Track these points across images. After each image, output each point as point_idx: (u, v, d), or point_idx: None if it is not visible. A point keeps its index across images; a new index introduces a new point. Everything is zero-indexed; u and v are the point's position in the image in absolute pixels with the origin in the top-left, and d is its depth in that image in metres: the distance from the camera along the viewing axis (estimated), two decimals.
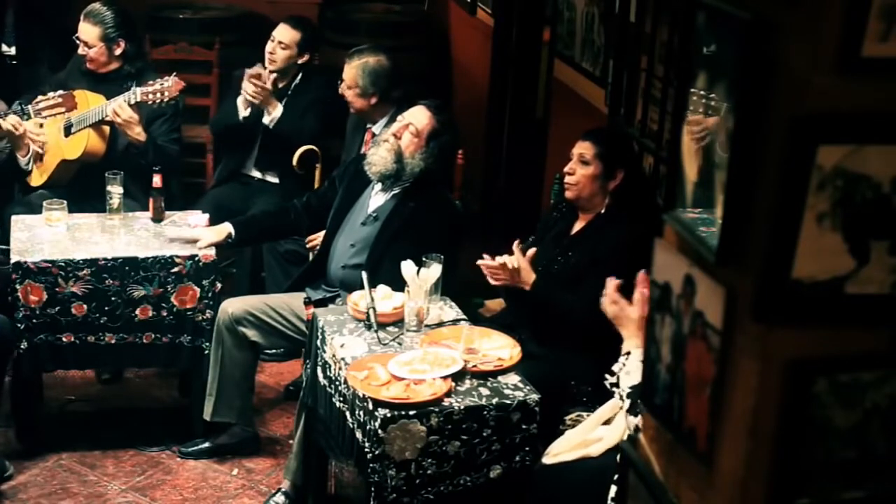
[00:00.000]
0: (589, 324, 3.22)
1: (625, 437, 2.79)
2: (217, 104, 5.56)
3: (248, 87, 4.70)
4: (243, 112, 4.82)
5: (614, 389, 2.77)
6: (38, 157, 4.51)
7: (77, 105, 4.39)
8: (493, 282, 3.54)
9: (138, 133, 4.42)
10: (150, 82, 4.39)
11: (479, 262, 3.53)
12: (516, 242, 3.54)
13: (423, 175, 3.81)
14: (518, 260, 3.48)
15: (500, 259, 3.47)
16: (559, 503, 2.96)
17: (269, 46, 4.87)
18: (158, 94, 4.36)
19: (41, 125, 4.43)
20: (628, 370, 2.74)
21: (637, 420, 2.58)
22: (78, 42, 4.58)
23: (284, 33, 4.87)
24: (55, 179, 4.52)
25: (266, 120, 4.78)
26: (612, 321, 2.91)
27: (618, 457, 2.72)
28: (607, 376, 2.80)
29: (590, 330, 3.25)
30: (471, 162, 4.94)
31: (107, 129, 4.48)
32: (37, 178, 4.56)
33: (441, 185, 3.99)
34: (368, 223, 3.89)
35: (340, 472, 3.67)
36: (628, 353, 2.79)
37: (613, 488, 2.66)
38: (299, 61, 4.89)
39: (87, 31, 4.55)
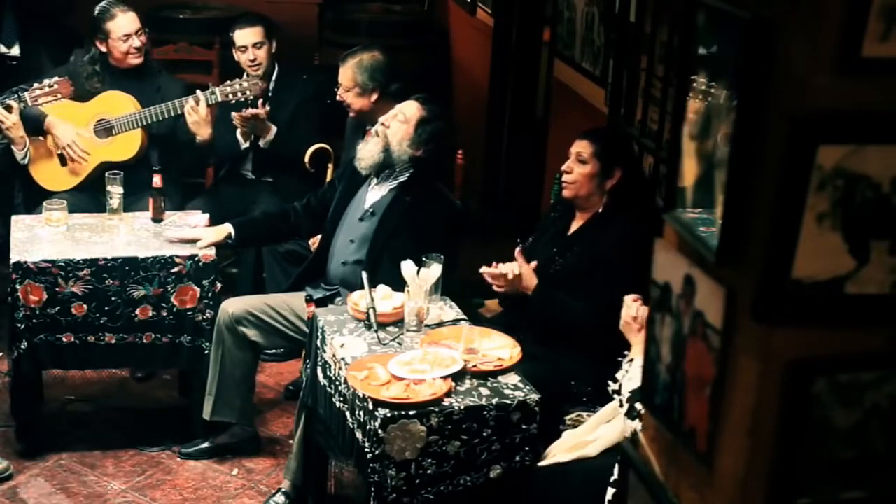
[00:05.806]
0: (597, 331, 3.24)
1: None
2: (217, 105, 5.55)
3: (245, 125, 4.67)
4: (244, 144, 4.84)
5: (616, 396, 2.78)
6: (63, 161, 4.48)
7: (73, 91, 4.33)
8: (495, 289, 3.55)
9: (207, 133, 4.41)
10: (228, 82, 4.39)
11: (483, 269, 3.53)
12: (518, 249, 3.54)
13: (415, 165, 3.82)
14: (520, 266, 3.48)
15: (501, 268, 3.48)
16: None
17: (246, 56, 4.79)
18: (240, 94, 4.35)
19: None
20: (631, 377, 2.75)
21: (635, 424, 2.59)
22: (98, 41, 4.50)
23: (252, 34, 4.79)
24: (89, 181, 4.48)
25: (262, 143, 4.77)
26: (622, 330, 2.93)
27: (618, 457, 2.74)
28: (610, 383, 2.81)
29: (596, 336, 3.27)
30: (471, 162, 4.94)
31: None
32: (64, 182, 4.49)
33: (437, 179, 3.99)
34: (366, 219, 3.89)
35: (340, 472, 3.66)
36: (632, 360, 2.80)
37: (611, 490, 2.66)
38: (273, 51, 4.87)
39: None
